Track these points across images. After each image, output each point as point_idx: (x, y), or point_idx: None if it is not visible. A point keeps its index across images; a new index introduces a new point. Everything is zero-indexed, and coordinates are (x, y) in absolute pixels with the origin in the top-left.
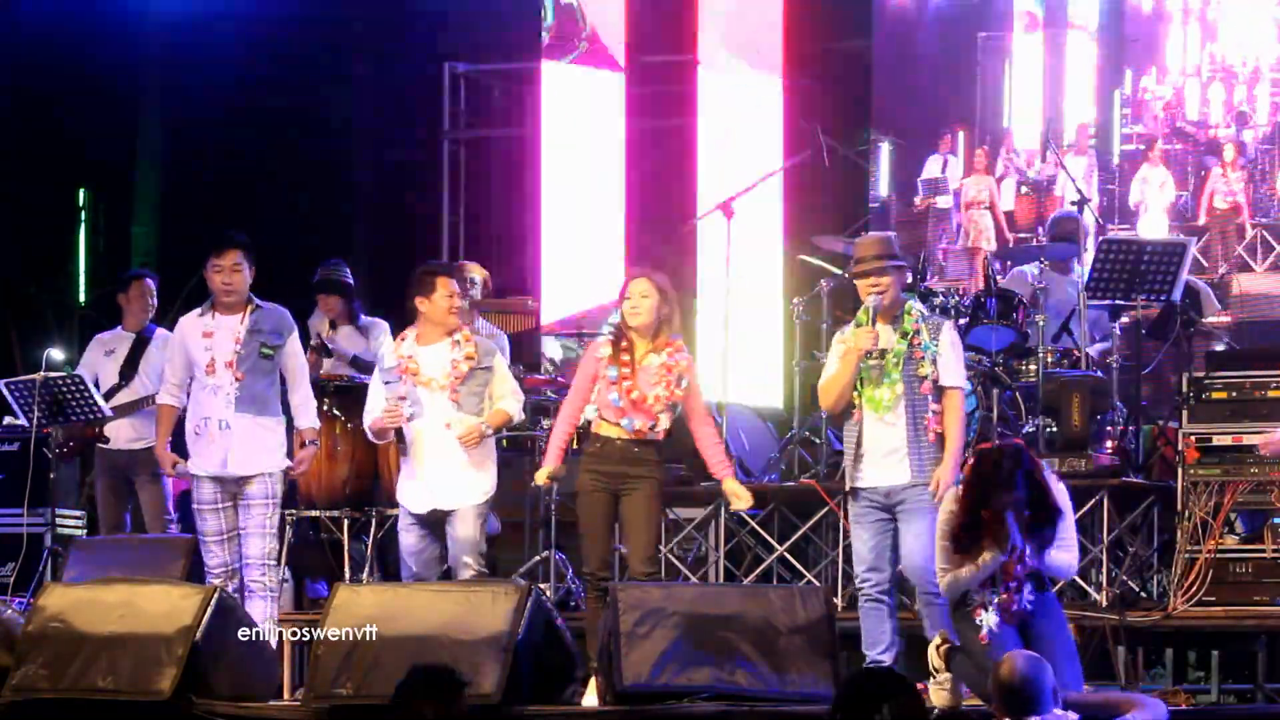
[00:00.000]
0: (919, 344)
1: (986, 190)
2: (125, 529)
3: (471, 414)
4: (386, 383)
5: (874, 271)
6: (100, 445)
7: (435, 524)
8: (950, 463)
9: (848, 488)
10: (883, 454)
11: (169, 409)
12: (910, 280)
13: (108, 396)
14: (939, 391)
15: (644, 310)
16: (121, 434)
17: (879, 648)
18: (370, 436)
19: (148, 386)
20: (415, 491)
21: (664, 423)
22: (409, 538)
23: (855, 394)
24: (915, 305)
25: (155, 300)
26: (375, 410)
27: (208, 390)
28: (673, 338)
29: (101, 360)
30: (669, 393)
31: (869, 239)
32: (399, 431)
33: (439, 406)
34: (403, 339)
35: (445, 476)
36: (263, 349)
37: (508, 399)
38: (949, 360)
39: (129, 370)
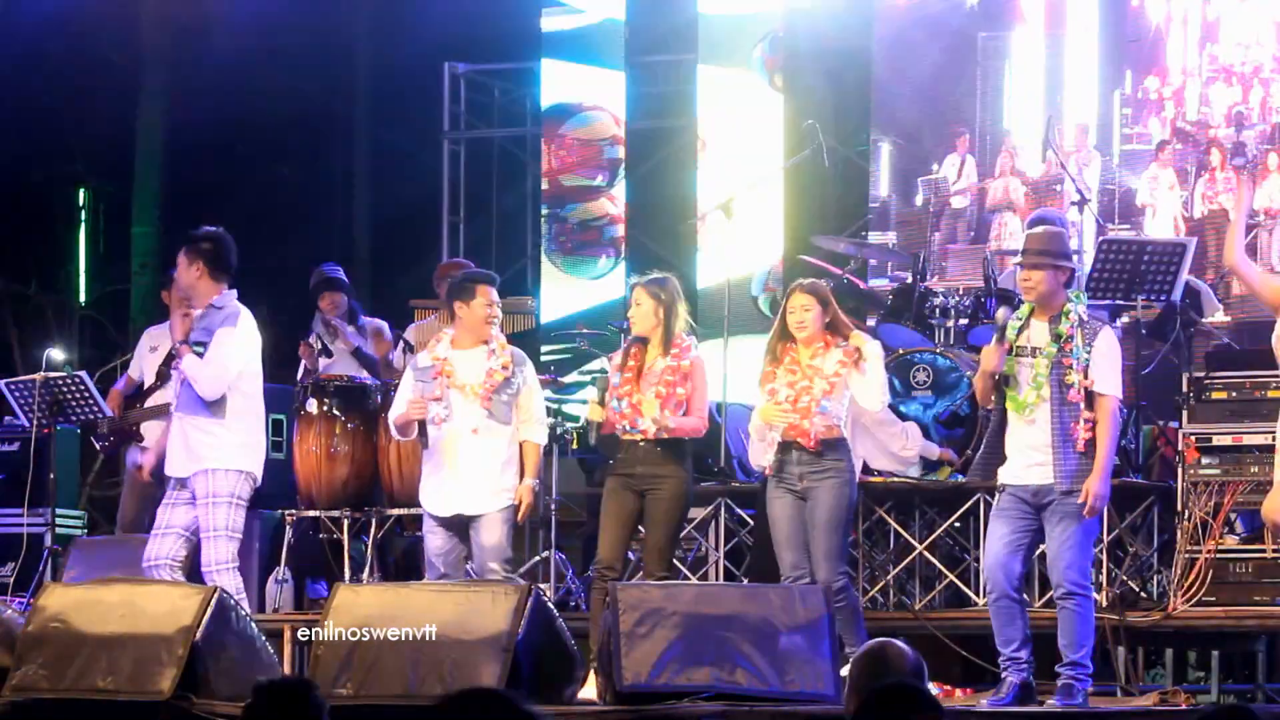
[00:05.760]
0: (1070, 349)
1: (1018, 192)
2: (143, 529)
3: (502, 422)
4: (420, 382)
5: (1027, 265)
6: (136, 444)
7: (459, 527)
8: (1100, 473)
9: (997, 483)
10: (1027, 454)
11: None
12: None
13: (146, 394)
14: (1090, 398)
15: (637, 319)
16: (155, 435)
17: (1012, 646)
18: (394, 433)
19: None
20: (440, 495)
21: (670, 420)
22: (434, 540)
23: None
24: (1076, 308)
25: None
26: (402, 408)
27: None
28: (682, 338)
29: (146, 355)
30: (669, 391)
31: (1036, 233)
32: (423, 430)
33: (471, 412)
34: (438, 341)
35: (472, 482)
36: (194, 348)
37: (533, 425)
38: (1102, 367)
39: (165, 370)
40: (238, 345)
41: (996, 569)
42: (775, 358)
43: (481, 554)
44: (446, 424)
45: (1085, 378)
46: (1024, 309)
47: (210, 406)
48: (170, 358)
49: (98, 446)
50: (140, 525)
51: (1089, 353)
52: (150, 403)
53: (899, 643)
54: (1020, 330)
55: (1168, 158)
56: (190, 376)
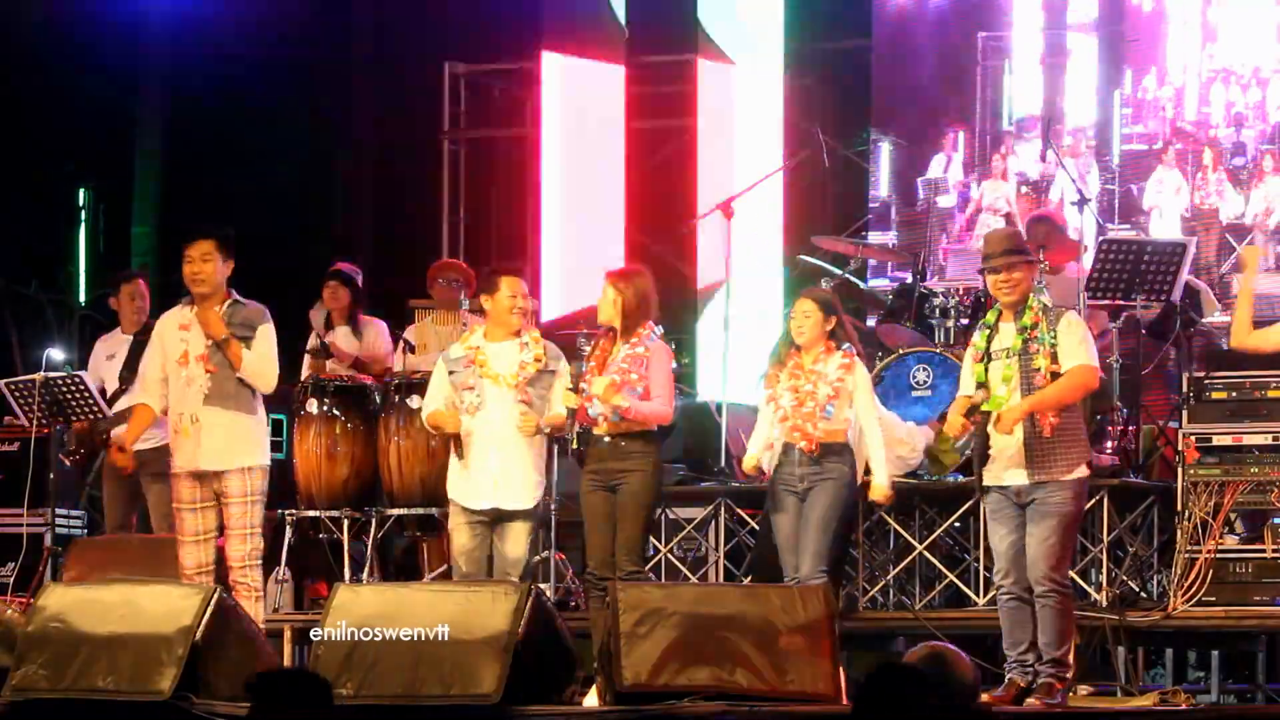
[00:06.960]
0: (1035, 337)
1: (1004, 198)
2: (132, 530)
3: (539, 415)
4: (452, 372)
5: (1004, 267)
6: (107, 448)
7: (491, 522)
8: (1028, 401)
9: (980, 485)
10: (1006, 454)
11: (143, 408)
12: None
13: (111, 400)
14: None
15: (600, 307)
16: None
17: (1020, 648)
18: (429, 428)
19: None
20: (474, 487)
21: (622, 400)
22: (462, 536)
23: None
24: (1038, 299)
25: (147, 301)
26: (436, 400)
27: (182, 383)
28: (647, 328)
29: (104, 364)
30: (624, 379)
31: (997, 233)
32: (458, 442)
33: (504, 402)
34: (471, 332)
35: (507, 474)
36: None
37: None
38: (1067, 346)
39: (128, 374)
40: (275, 340)
41: (1007, 570)
42: (780, 361)
43: (502, 561)
44: (480, 414)
45: (1053, 361)
46: (990, 315)
47: (244, 401)
48: (133, 359)
49: (67, 463)
50: (128, 525)
51: (1054, 337)
52: (118, 407)
53: (963, 654)
54: (990, 337)
55: (1171, 159)
56: (253, 372)
